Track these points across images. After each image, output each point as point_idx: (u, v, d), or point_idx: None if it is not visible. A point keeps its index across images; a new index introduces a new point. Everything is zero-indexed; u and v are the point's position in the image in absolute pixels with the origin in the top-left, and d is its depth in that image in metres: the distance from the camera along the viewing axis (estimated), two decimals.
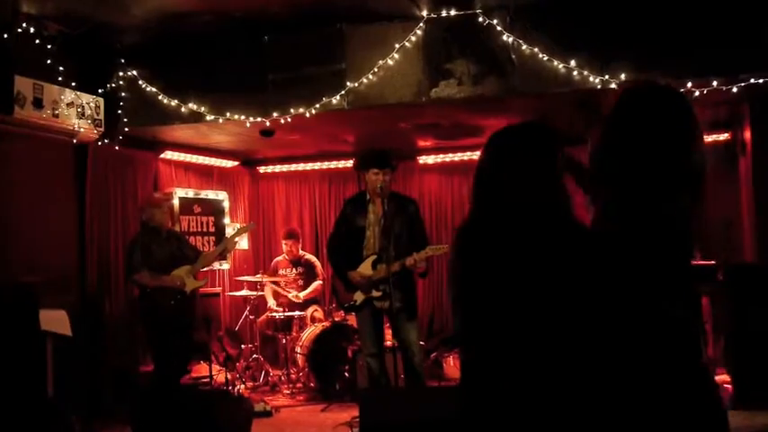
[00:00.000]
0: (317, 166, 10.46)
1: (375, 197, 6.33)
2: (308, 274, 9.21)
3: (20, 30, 6.71)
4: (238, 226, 9.68)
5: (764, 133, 7.47)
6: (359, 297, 6.37)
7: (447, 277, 7.69)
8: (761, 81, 6.45)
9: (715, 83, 6.50)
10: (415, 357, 6.26)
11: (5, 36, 6.61)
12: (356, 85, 7.15)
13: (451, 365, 8.47)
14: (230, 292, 9.52)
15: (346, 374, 7.73)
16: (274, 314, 8.72)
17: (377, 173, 6.23)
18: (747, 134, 7.65)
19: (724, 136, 8.57)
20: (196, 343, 7.35)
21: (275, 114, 7.41)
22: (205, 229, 9.31)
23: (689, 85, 6.52)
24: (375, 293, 6.28)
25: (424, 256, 6.15)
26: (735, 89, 6.54)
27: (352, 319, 8.02)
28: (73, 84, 7.16)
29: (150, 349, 7.11)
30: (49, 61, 7.01)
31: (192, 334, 7.21)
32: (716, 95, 6.65)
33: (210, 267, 8.37)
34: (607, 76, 6.60)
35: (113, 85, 7.72)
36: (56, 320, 6.37)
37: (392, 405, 5.37)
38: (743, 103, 7.45)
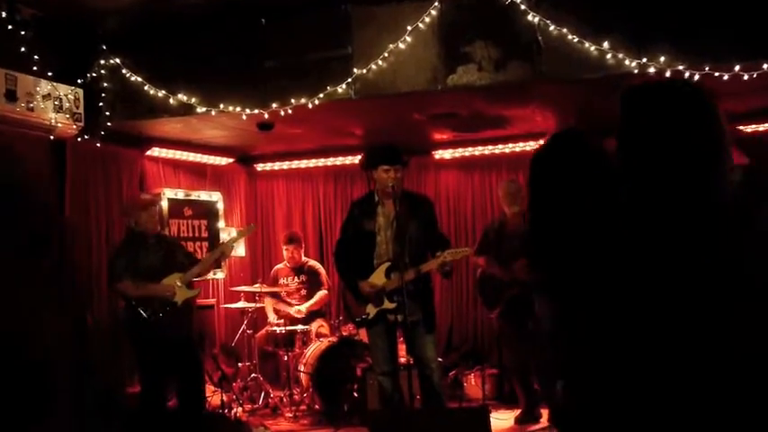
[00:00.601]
0: (320, 162, 10.46)
1: (385, 197, 6.32)
2: (312, 283, 9.21)
3: None
4: (235, 230, 9.70)
5: None
6: (371, 310, 6.36)
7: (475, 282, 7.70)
8: None
9: (766, 66, 6.46)
10: (433, 375, 6.25)
11: None
12: (364, 72, 7.14)
13: (473, 384, 8.46)
14: (225, 304, 9.53)
15: (355, 395, 7.72)
16: (275, 328, 8.72)
17: (387, 170, 6.23)
18: None
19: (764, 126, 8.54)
20: (201, 363, 7.28)
21: (274, 105, 7.41)
22: (197, 234, 9.33)
23: (737, 68, 6.48)
24: (388, 305, 6.27)
25: (443, 260, 6.13)
26: None
27: (361, 334, 8.02)
28: (49, 74, 7.17)
29: (138, 368, 7.11)
30: (22, 49, 7.02)
31: (196, 352, 7.18)
32: (764, 80, 6.61)
33: (204, 277, 8.37)
34: (645, 60, 6.56)
35: (94, 74, 7.74)
36: None
37: (406, 428, 5.37)
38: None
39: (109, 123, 7.82)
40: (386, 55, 7.08)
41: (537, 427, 7.10)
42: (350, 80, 7.19)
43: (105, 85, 7.76)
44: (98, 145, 7.90)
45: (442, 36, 7.03)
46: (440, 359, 8.01)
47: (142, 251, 6.88)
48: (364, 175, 10.00)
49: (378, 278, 6.32)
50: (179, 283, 6.86)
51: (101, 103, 7.76)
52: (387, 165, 6.23)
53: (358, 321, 6.68)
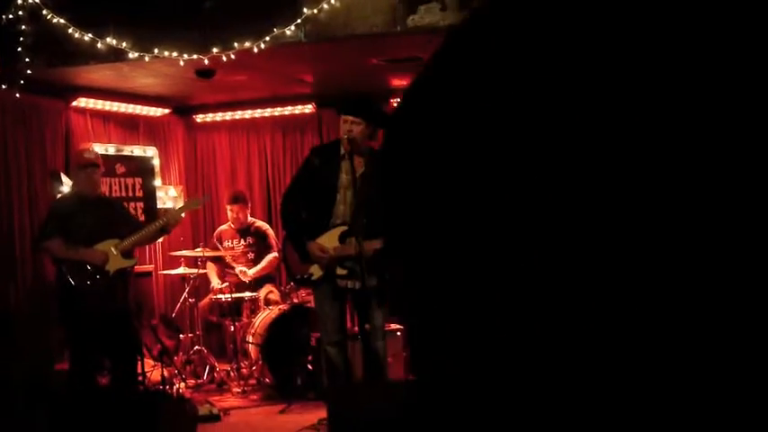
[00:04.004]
0: (267, 112, 10.41)
1: (346, 152, 6.25)
2: (260, 246, 9.17)
3: None
4: (172, 189, 9.64)
5: None
6: (316, 271, 6.32)
7: None
8: None
9: None
10: (379, 342, 6.31)
11: None
12: (315, 12, 7.08)
13: None
14: (164, 270, 9.48)
15: (309, 367, 7.75)
16: (219, 296, 8.69)
17: (345, 121, 6.18)
18: None
19: None
20: (137, 339, 7.25)
21: (215, 50, 7.35)
22: (131, 194, 9.23)
23: None
24: (339, 271, 6.24)
25: None
26: None
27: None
28: None
29: (67, 342, 7.06)
30: None
31: (131, 326, 7.15)
32: None
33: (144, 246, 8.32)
34: None
35: (10, 16, 7.57)
36: None
37: (367, 403, 5.37)
38: None
39: (29, 71, 7.68)
40: None
41: None
42: (299, 21, 7.12)
43: (24, 27, 7.60)
44: (17, 96, 7.76)
45: None
46: (401, 328, 8.06)
47: (79, 212, 6.82)
48: (317, 125, 10.10)
49: (329, 240, 6.27)
50: (114, 251, 6.78)
51: (19, 49, 7.60)
52: (348, 115, 6.19)
53: (298, 279, 6.71)
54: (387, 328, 6.87)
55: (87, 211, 6.84)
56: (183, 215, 7.36)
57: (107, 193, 8.83)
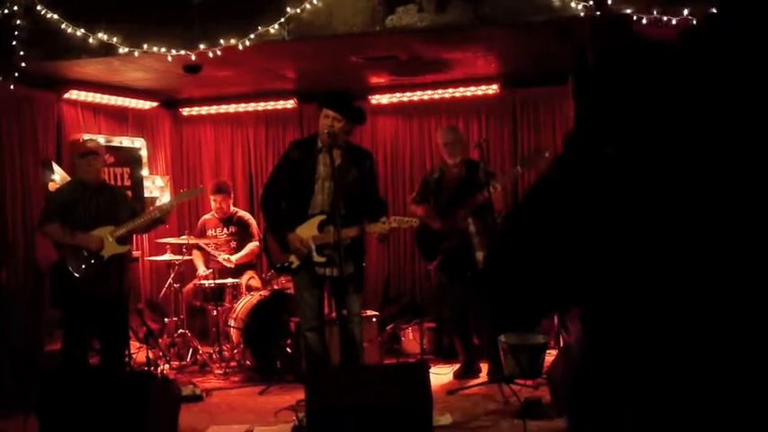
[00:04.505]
0: (251, 107, 10.37)
1: (325, 145, 6.31)
2: (242, 235, 9.19)
3: None
4: (159, 179, 9.63)
5: None
6: (295, 260, 6.38)
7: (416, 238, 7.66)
8: None
9: (715, 10, 6.53)
10: (356, 330, 6.38)
11: None
12: (298, 11, 7.07)
13: (410, 339, 8.56)
14: (151, 256, 9.46)
15: (288, 351, 7.77)
16: (203, 282, 8.69)
17: (327, 115, 6.23)
18: None
19: None
20: (125, 321, 7.25)
21: (202, 46, 7.33)
22: (119, 183, 9.21)
23: (685, 12, 6.56)
24: (318, 258, 6.29)
25: (389, 227, 6.21)
26: None
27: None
28: None
29: (62, 322, 7.06)
30: None
31: (123, 310, 7.14)
32: None
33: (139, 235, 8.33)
34: (591, 2, 6.61)
35: (5, 11, 7.54)
36: None
37: (343, 386, 5.42)
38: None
39: (23, 64, 7.63)
40: None
41: (476, 381, 7.22)
42: (283, 20, 7.11)
43: (18, 22, 7.56)
44: (11, 87, 7.71)
45: None
46: (377, 313, 8.12)
47: (79, 199, 6.83)
48: (298, 119, 10.10)
49: (308, 230, 6.32)
50: (109, 237, 6.79)
51: (13, 43, 7.56)
52: (328, 110, 6.24)
53: (278, 268, 6.74)
54: (363, 315, 6.94)
55: (88, 198, 6.85)
56: (173, 207, 7.38)
57: None
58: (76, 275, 6.66)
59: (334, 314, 6.77)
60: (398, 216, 6.34)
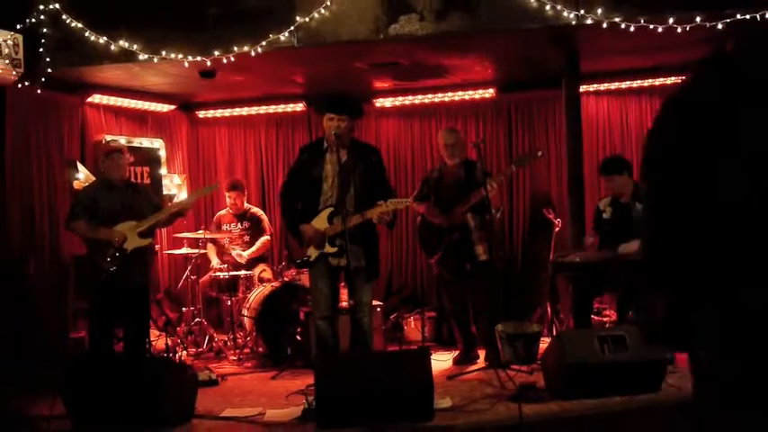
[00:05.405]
0: (262, 110, 10.34)
1: (332, 145, 6.30)
2: (255, 230, 9.15)
3: None
4: (177, 177, 9.60)
5: None
6: (312, 252, 6.37)
7: (419, 230, 7.61)
8: (747, 17, 6.48)
9: (699, 18, 6.51)
10: (364, 319, 6.36)
11: None
12: (307, 20, 7.06)
13: (412, 327, 8.53)
14: (169, 250, 9.43)
15: (298, 338, 7.73)
16: (218, 274, 8.66)
17: (331, 118, 6.22)
18: None
19: None
20: (147, 310, 7.23)
21: (216, 53, 7.31)
22: (139, 181, 9.16)
23: (671, 20, 6.53)
24: (329, 249, 6.27)
25: (386, 209, 6.14)
26: (720, 25, 6.56)
27: (303, 279, 8.02)
28: None
29: (89, 312, 7.05)
30: None
31: (146, 300, 7.13)
32: (698, 33, 6.66)
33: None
34: (582, 11, 6.57)
35: (33, 20, 7.52)
36: None
37: (350, 371, 5.40)
38: (727, 42, 7.48)
39: (49, 70, 7.62)
40: (328, 3, 7.02)
41: (474, 367, 7.18)
42: (292, 28, 7.11)
43: (45, 30, 7.55)
44: (38, 91, 7.70)
45: None
46: (381, 303, 8.09)
47: (106, 195, 6.82)
48: (306, 121, 10.07)
49: (320, 223, 6.33)
50: (132, 231, 6.76)
51: (41, 50, 7.55)
52: (331, 113, 6.22)
53: (298, 263, 6.73)
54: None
55: (114, 195, 6.84)
56: (193, 202, 7.36)
57: None
58: (102, 267, 6.64)
59: (344, 303, 6.76)
60: (393, 199, 6.29)
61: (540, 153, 7.74)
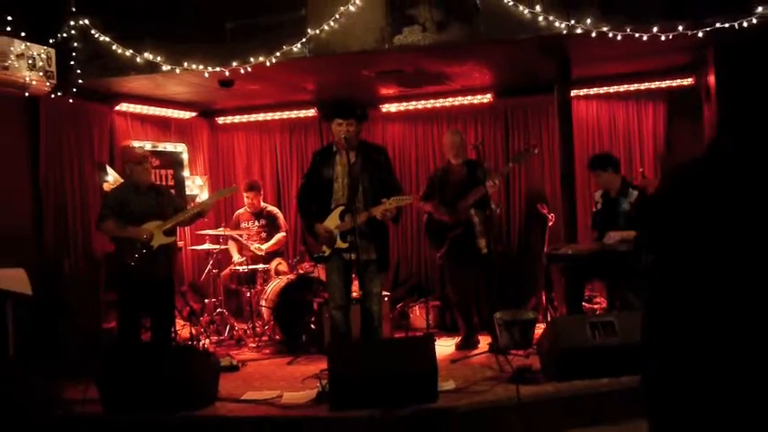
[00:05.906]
0: (277, 116, 10.39)
1: (341, 148, 6.36)
2: (271, 227, 9.23)
3: None
4: (198, 179, 9.69)
5: (728, 79, 7.59)
6: (327, 249, 6.44)
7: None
8: (726, 25, 6.54)
9: (681, 27, 6.58)
10: (373, 308, 6.40)
11: None
12: (317, 32, 7.11)
13: (417, 315, 8.62)
14: (192, 246, 9.53)
15: (312, 326, 7.82)
16: (238, 268, 8.75)
17: (340, 123, 6.26)
18: (711, 79, 7.78)
19: (688, 81, 8.73)
20: (173, 302, 7.33)
21: (234, 64, 7.37)
22: (164, 183, 9.26)
23: (654, 29, 6.60)
24: (341, 245, 6.33)
25: (389, 206, 6.19)
26: (700, 34, 6.63)
27: (317, 272, 8.12)
28: (22, 34, 7.03)
29: (118, 305, 7.14)
30: None
31: (171, 293, 7.22)
32: (681, 40, 6.73)
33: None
34: (573, 21, 6.64)
35: (64, 35, 7.60)
36: (14, 279, 6.37)
37: (360, 357, 5.48)
38: (707, 48, 7.56)
39: (80, 81, 7.70)
40: (337, 17, 7.05)
41: (475, 352, 7.26)
42: (304, 40, 7.15)
43: (75, 44, 7.62)
44: (70, 101, 7.78)
45: None
46: (388, 293, 8.16)
47: (133, 197, 6.94)
48: (318, 126, 10.13)
49: (332, 221, 6.39)
50: (157, 230, 6.87)
51: (72, 62, 7.62)
52: (339, 119, 6.27)
53: (315, 257, 6.93)
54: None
55: (140, 198, 6.95)
56: (213, 203, 7.45)
57: None
58: (130, 263, 6.75)
59: (355, 293, 6.83)
60: (397, 196, 6.33)
61: (536, 149, 7.83)
